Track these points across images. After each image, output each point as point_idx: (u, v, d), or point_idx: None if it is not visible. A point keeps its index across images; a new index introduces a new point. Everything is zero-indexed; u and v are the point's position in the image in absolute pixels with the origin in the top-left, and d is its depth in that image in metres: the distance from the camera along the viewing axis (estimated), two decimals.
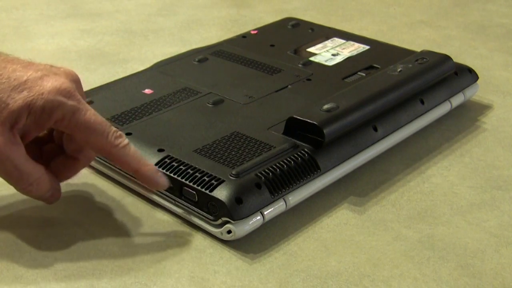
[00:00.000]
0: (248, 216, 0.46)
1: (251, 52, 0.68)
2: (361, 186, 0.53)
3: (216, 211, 0.46)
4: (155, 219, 0.50)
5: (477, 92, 0.65)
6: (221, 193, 0.46)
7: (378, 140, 0.55)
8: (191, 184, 0.47)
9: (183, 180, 0.48)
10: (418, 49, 0.67)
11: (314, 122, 0.51)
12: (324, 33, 0.73)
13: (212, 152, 0.50)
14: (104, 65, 0.74)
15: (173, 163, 0.49)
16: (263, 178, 0.47)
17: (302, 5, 0.94)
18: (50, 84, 0.43)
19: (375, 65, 0.65)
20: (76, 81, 0.46)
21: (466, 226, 0.49)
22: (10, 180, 0.44)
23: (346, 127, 0.52)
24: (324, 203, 0.51)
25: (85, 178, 0.54)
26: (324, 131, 0.50)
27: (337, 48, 0.69)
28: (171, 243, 0.47)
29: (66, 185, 0.53)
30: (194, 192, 0.47)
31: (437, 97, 0.60)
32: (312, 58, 0.67)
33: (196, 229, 0.49)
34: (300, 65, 0.65)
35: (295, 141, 0.51)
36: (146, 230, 0.49)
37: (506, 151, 0.58)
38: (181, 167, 0.49)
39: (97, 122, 0.44)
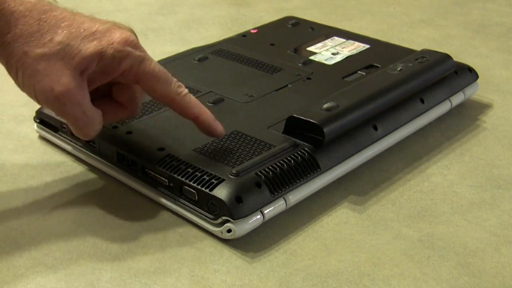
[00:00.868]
0: (248, 215, 0.46)
1: (251, 51, 0.68)
2: (361, 185, 0.53)
3: (216, 210, 0.46)
4: (155, 218, 0.50)
5: (477, 91, 0.65)
6: (221, 192, 0.46)
7: (378, 139, 0.55)
8: (191, 183, 0.47)
9: (183, 179, 0.48)
10: (418, 48, 0.67)
11: (314, 121, 0.51)
12: (324, 32, 0.73)
13: (212, 151, 0.50)
14: None
15: (173, 162, 0.49)
16: (263, 177, 0.47)
17: (302, 4, 0.94)
18: (118, 35, 0.46)
19: (375, 64, 0.65)
20: (137, 37, 0.49)
21: (466, 225, 0.49)
22: (75, 123, 0.46)
23: (346, 126, 0.52)
24: (324, 202, 0.51)
25: (85, 178, 0.54)
26: (324, 130, 0.50)
27: (337, 47, 0.69)
28: (171, 242, 0.47)
29: (66, 185, 0.54)
30: (194, 191, 0.47)
31: (437, 96, 0.60)
32: (312, 57, 0.67)
33: (196, 228, 0.49)
34: (300, 64, 0.65)
35: (295, 140, 0.51)
36: (146, 229, 0.49)
37: (506, 150, 0.58)
38: (181, 166, 0.49)
39: (162, 72, 0.48)
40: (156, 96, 0.49)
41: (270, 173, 0.48)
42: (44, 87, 0.44)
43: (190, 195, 0.48)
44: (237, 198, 0.46)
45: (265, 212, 0.47)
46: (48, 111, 0.58)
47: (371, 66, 0.65)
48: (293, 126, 0.52)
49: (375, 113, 0.55)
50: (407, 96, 0.58)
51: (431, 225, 0.49)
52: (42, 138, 0.60)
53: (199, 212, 0.48)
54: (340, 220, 0.50)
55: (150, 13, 0.90)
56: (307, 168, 0.50)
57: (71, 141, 0.56)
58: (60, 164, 0.56)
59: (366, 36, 0.72)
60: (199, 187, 0.47)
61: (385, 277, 0.44)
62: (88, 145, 0.55)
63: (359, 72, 0.64)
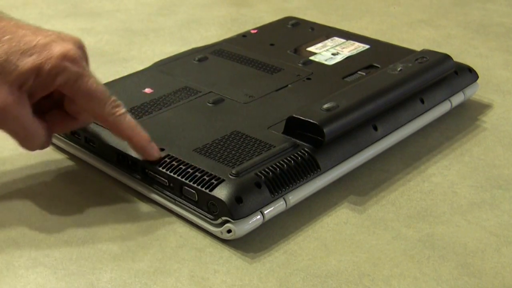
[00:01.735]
0: (248, 215, 0.46)
1: (251, 51, 0.68)
2: (361, 185, 0.53)
3: (216, 211, 0.46)
4: (155, 219, 0.50)
5: (477, 91, 0.65)
6: (221, 192, 0.46)
7: (378, 139, 0.55)
8: (191, 183, 0.47)
9: (183, 179, 0.48)
10: (418, 48, 0.67)
11: (314, 122, 0.51)
12: (324, 32, 0.73)
13: (212, 152, 0.50)
14: (104, 64, 0.74)
15: (173, 163, 0.49)
16: (263, 177, 0.47)
17: (302, 4, 0.94)
18: (58, 49, 0.45)
19: (375, 64, 0.65)
20: (82, 48, 0.48)
21: (466, 225, 0.49)
22: (16, 137, 0.47)
23: (346, 126, 0.52)
24: (324, 202, 0.51)
25: (84, 178, 0.54)
26: (324, 130, 0.50)
27: (337, 48, 0.69)
28: (171, 242, 0.47)
29: (66, 185, 0.54)
30: (194, 192, 0.47)
31: (437, 96, 0.60)
32: (312, 58, 0.67)
33: (196, 228, 0.49)
34: (300, 64, 0.65)
35: (295, 140, 0.51)
36: (146, 229, 0.49)
37: (506, 150, 0.58)
38: (181, 166, 0.49)
39: (98, 90, 0.47)
40: (90, 114, 0.49)
41: (270, 173, 0.48)
42: None
43: (190, 196, 0.48)
44: (237, 198, 0.46)
45: (265, 212, 0.47)
46: None
47: (371, 67, 0.65)
48: (293, 126, 0.52)
49: (375, 113, 0.55)
50: (407, 96, 0.58)
51: (431, 225, 0.49)
52: None
53: (199, 213, 0.48)
54: (340, 220, 0.49)
55: (150, 13, 0.90)
56: (307, 168, 0.50)
57: (71, 141, 0.56)
58: (60, 164, 0.56)
59: (366, 37, 0.72)
60: (199, 187, 0.47)
61: (385, 277, 0.44)
62: (88, 145, 0.55)
63: (359, 72, 0.64)
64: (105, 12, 0.89)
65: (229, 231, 0.46)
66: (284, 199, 0.48)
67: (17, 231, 0.48)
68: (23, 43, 0.45)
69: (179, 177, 0.48)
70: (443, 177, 0.55)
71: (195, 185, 0.47)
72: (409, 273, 0.44)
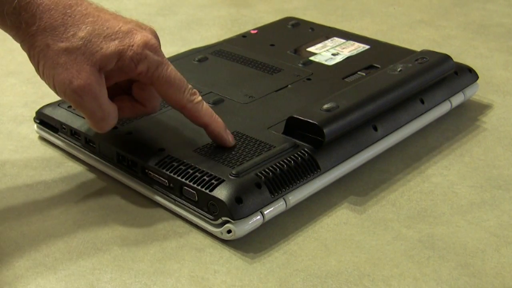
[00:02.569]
0: (248, 215, 0.46)
1: (251, 52, 0.68)
2: (361, 186, 0.53)
3: (216, 211, 0.46)
4: (155, 219, 0.50)
5: (477, 92, 0.65)
6: (221, 192, 0.46)
7: (378, 140, 0.55)
8: (191, 183, 0.47)
9: (183, 179, 0.48)
10: (418, 48, 0.67)
11: (314, 122, 0.51)
12: (324, 32, 0.73)
13: (212, 152, 0.50)
14: None
15: (173, 163, 0.49)
16: (263, 177, 0.47)
17: (302, 4, 0.94)
18: (139, 38, 0.47)
19: (375, 65, 0.65)
20: (157, 37, 0.49)
21: (466, 225, 0.49)
22: (91, 117, 0.48)
23: (346, 126, 0.52)
24: (324, 203, 0.51)
25: (85, 178, 0.54)
26: (324, 130, 0.50)
27: (337, 48, 0.69)
28: (171, 242, 0.47)
29: (66, 185, 0.54)
30: (194, 192, 0.47)
31: (437, 96, 0.60)
32: (312, 58, 0.67)
33: (196, 228, 0.49)
34: (300, 65, 0.65)
35: (295, 140, 0.51)
36: (146, 229, 0.49)
37: (506, 150, 0.58)
38: (181, 166, 0.49)
39: (177, 78, 0.49)
40: (168, 101, 0.50)
41: (270, 173, 0.48)
42: (63, 79, 0.45)
43: (190, 196, 0.48)
44: (237, 198, 0.46)
45: (265, 212, 0.47)
46: (48, 112, 0.58)
47: (371, 67, 0.65)
48: (293, 127, 0.52)
49: (375, 114, 0.55)
50: (407, 96, 0.58)
51: (431, 226, 0.49)
52: (42, 138, 0.60)
53: (199, 213, 0.48)
54: (340, 221, 0.49)
55: (150, 13, 0.90)
56: (307, 169, 0.50)
57: (71, 142, 0.56)
58: (60, 164, 0.56)
59: (366, 37, 0.72)
60: (199, 187, 0.47)
61: (385, 278, 0.44)
62: (88, 145, 0.55)
63: (359, 72, 0.64)
64: None
65: (229, 231, 0.46)
66: (284, 199, 0.48)
67: (17, 231, 0.48)
68: (106, 27, 0.46)
69: (179, 178, 0.48)
70: (443, 178, 0.55)
71: (195, 185, 0.47)
72: (409, 273, 0.44)
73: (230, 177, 0.47)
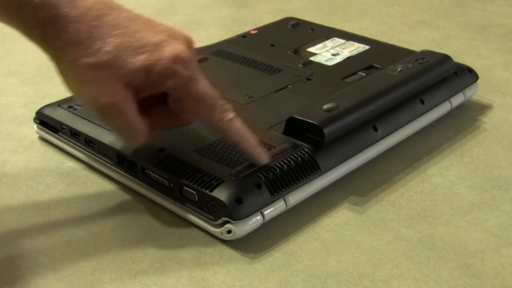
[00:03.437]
0: (248, 216, 0.46)
1: (251, 52, 0.68)
2: (361, 186, 0.53)
3: (216, 211, 0.46)
4: (155, 219, 0.50)
5: (477, 92, 0.65)
6: (221, 193, 0.46)
7: (378, 140, 0.55)
8: (191, 184, 0.47)
9: (183, 180, 0.48)
10: (418, 49, 0.67)
11: (314, 122, 0.51)
12: (324, 33, 0.73)
13: (212, 152, 0.50)
14: None
15: (173, 163, 0.49)
16: (263, 178, 0.47)
17: (302, 5, 0.94)
18: (169, 50, 0.44)
19: (375, 65, 0.65)
20: (192, 46, 0.47)
21: (466, 226, 0.49)
22: (120, 133, 0.47)
23: (346, 127, 0.52)
24: (324, 203, 0.51)
25: (85, 178, 0.54)
26: (324, 131, 0.50)
27: (337, 48, 0.69)
28: (171, 242, 0.47)
29: (66, 186, 0.54)
30: (194, 192, 0.47)
31: (437, 97, 0.60)
32: (312, 58, 0.67)
33: (196, 229, 0.49)
34: (300, 65, 0.65)
35: (295, 141, 0.51)
36: (146, 229, 0.49)
37: (506, 151, 0.58)
38: (181, 167, 0.49)
39: (207, 95, 0.46)
40: (198, 118, 0.48)
41: (270, 174, 0.48)
42: (90, 96, 0.44)
43: (190, 196, 0.48)
44: (237, 199, 0.46)
45: (265, 213, 0.47)
46: (48, 112, 0.58)
47: (371, 67, 0.65)
48: (293, 127, 0.52)
49: (375, 114, 0.55)
50: (407, 97, 0.58)
51: (431, 226, 0.49)
52: (42, 139, 0.60)
53: (199, 213, 0.48)
54: (340, 221, 0.49)
55: (150, 14, 0.89)
56: (307, 169, 0.50)
57: (71, 142, 0.56)
58: (60, 165, 0.56)
59: (366, 37, 0.72)
60: (199, 188, 0.47)
61: (385, 278, 0.44)
62: (88, 145, 0.55)
63: (359, 73, 0.64)
64: None
65: (229, 231, 0.46)
66: (284, 199, 0.48)
67: (18, 231, 0.48)
68: (135, 39, 0.44)
69: (179, 178, 0.48)
70: (443, 178, 0.55)
71: (195, 185, 0.47)
72: (409, 273, 0.44)
73: (230, 177, 0.47)
